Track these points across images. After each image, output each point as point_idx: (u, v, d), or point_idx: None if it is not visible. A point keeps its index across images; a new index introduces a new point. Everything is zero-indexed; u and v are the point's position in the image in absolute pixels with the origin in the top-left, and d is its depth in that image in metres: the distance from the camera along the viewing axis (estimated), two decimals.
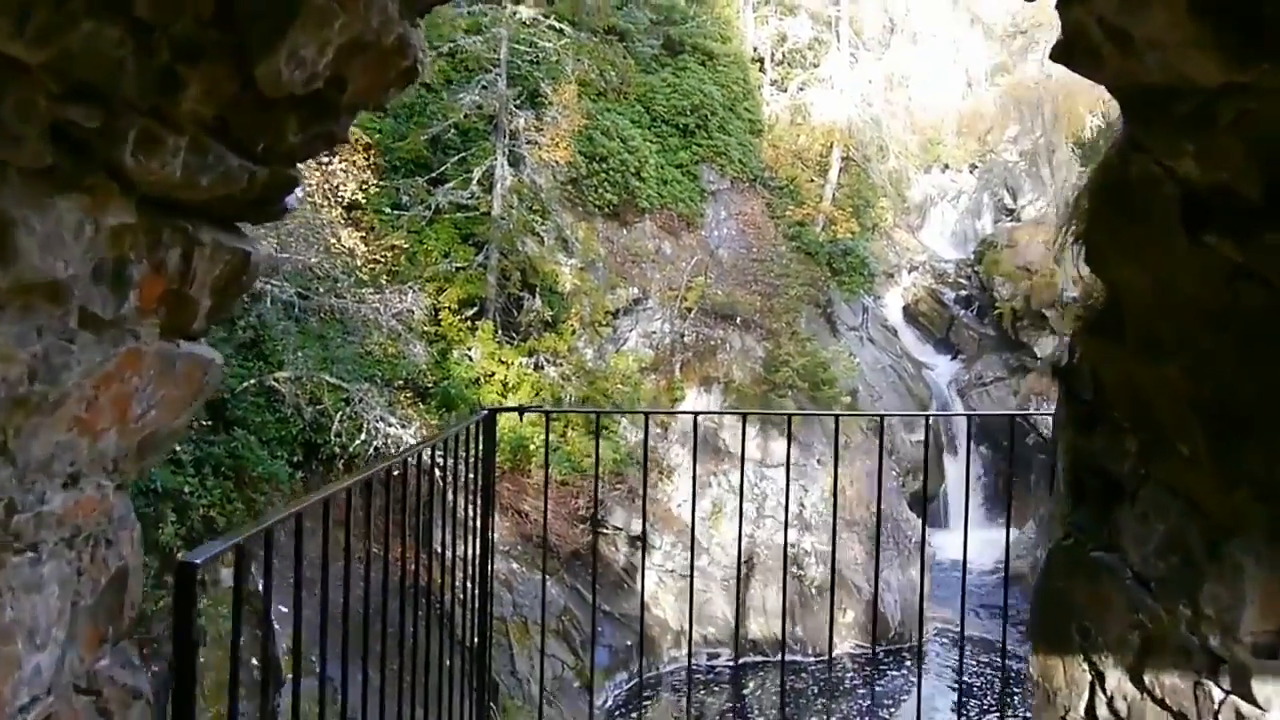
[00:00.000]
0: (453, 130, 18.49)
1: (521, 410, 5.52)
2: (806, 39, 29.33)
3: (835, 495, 5.70)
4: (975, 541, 26.44)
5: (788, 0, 29.03)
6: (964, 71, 28.10)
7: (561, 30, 18.35)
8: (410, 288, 14.50)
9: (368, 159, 16.69)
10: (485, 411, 4.48)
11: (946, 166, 47.40)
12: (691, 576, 5.18)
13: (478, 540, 4.47)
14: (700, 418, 20.49)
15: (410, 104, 19.22)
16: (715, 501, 20.02)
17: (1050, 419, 3.01)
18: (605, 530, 19.14)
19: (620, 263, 20.36)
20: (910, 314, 40.22)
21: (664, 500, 19.81)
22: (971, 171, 44.68)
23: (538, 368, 18.27)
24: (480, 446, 4.38)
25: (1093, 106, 28.18)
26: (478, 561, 4.46)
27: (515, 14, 17.74)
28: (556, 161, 17.99)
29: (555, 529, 17.62)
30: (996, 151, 33.28)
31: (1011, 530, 27.10)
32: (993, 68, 29.01)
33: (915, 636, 22.78)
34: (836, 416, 4.89)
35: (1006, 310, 33.70)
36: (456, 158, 18.29)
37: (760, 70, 28.50)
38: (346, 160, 16.02)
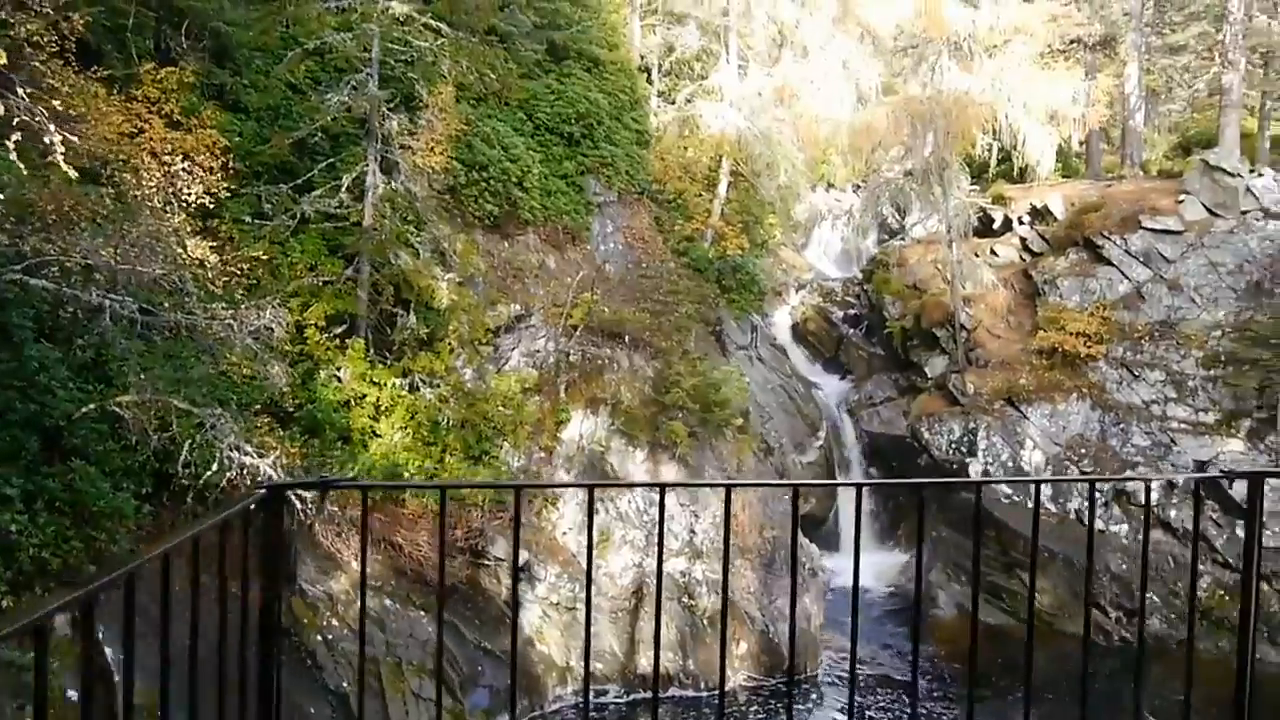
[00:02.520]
0: (320, 134, 17.37)
1: (324, 486, 4.59)
2: (695, 49, 28.84)
3: (794, 564, 4.84)
4: (868, 565, 25.94)
5: (676, 9, 28.49)
6: (854, 86, 27.78)
7: (438, 29, 17.39)
8: (270, 303, 13.32)
9: (222, 161, 15.46)
10: (264, 490, 3.66)
11: (831, 185, 47.55)
12: (588, 629, 4.26)
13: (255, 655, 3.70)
14: (583, 438, 19.76)
15: (275, 105, 18.06)
16: (603, 529, 19.17)
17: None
18: (486, 561, 18.17)
19: (502, 277, 19.44)
20: (799, 333, 40.10)
21: (548, 529, 18.91)
22: (855, 191, 44.80)
23: (413, 389, 17.25)
24: (268, 533, 3.63)
25: (982, 124, 28.16)
26: (256, 668, 3.69)
27: (388, 9, 16.73)
28: (432, 168, 16.99)
29: (431, 561, 16.63)
30: (884, 170, 33.17)
31: (901, 553, 26.64)
32: (884, 83, 28.81)
33: (809, 667, 22.29)
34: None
35: (897, 329, 33.63)
36: (324, 163, 17.19)
37: (648, 81, 27.89)
38: (191, 159, 14.82)
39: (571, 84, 22.33)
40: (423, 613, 16.68)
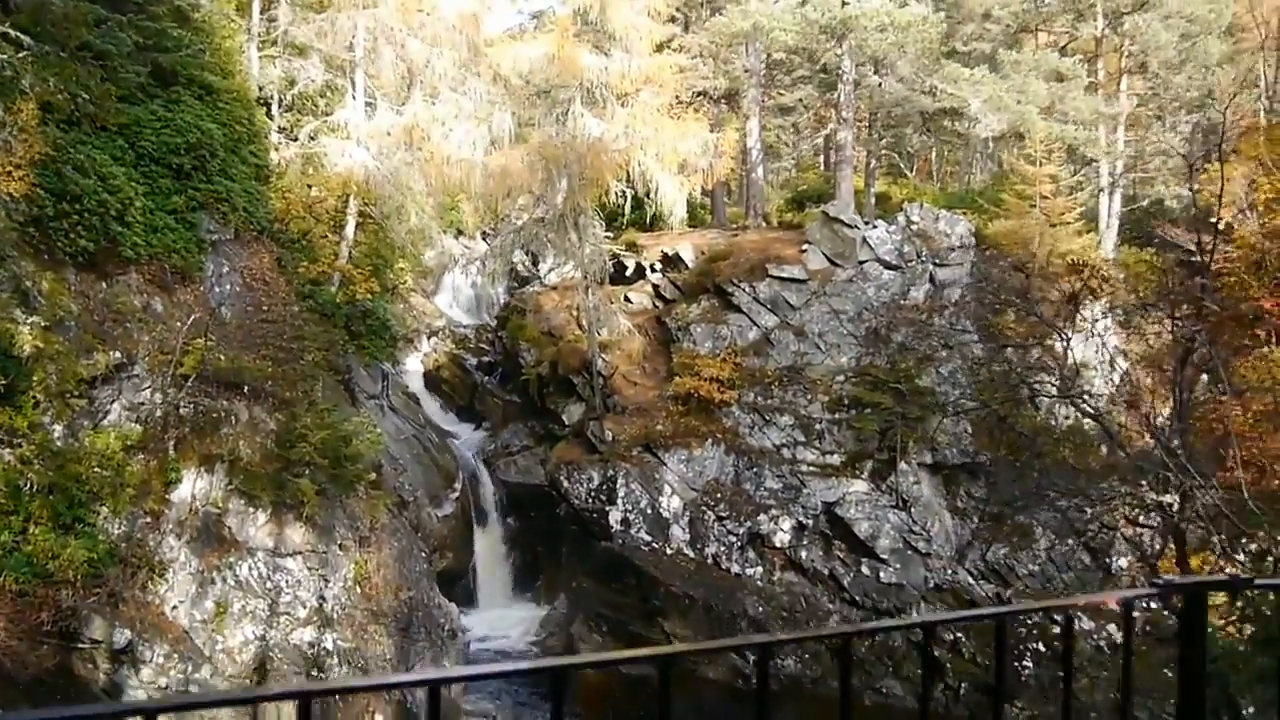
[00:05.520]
0: None
1: None
2: (319, 84, 27.56)
3: None
4: (506, 620, 25.27)
5: (298, 40, 27.13)
6: (487, 129, 27.37)
7: (20, 41, 15.41)
8: None
9: None
10: None
11: (460, 232, 47.17)
12: None
13: None
14: (196, 500, 17.95)
15: None
16: (220, 600, 17.45)
17: None
18: (82, 644, 16.05)
19: (99, 321, 17.42)
20: (432, 381, 39.33)
21: (155, 603, 16.98)
22: (485, 238, 44.61)
23: None
24: None
25: (616, 171, 28.47)
26: None
27: None
28: (10, 195, 14.95)
29: (11, 650, 14.44)
30: (515, 216, 33.05)
31: (541, 606, 26.21)
32: (517, 128, 28.60)
33: None
34: (847, 637, 3.09)
35: (533, 376, 33.48)
36: None
37: (268, 114, 26.33)
38: None
39: (181, 112, 20.54)
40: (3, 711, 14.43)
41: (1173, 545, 17.55)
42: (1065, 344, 17.81)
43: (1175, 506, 15.67)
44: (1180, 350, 17.05)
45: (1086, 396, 19.17)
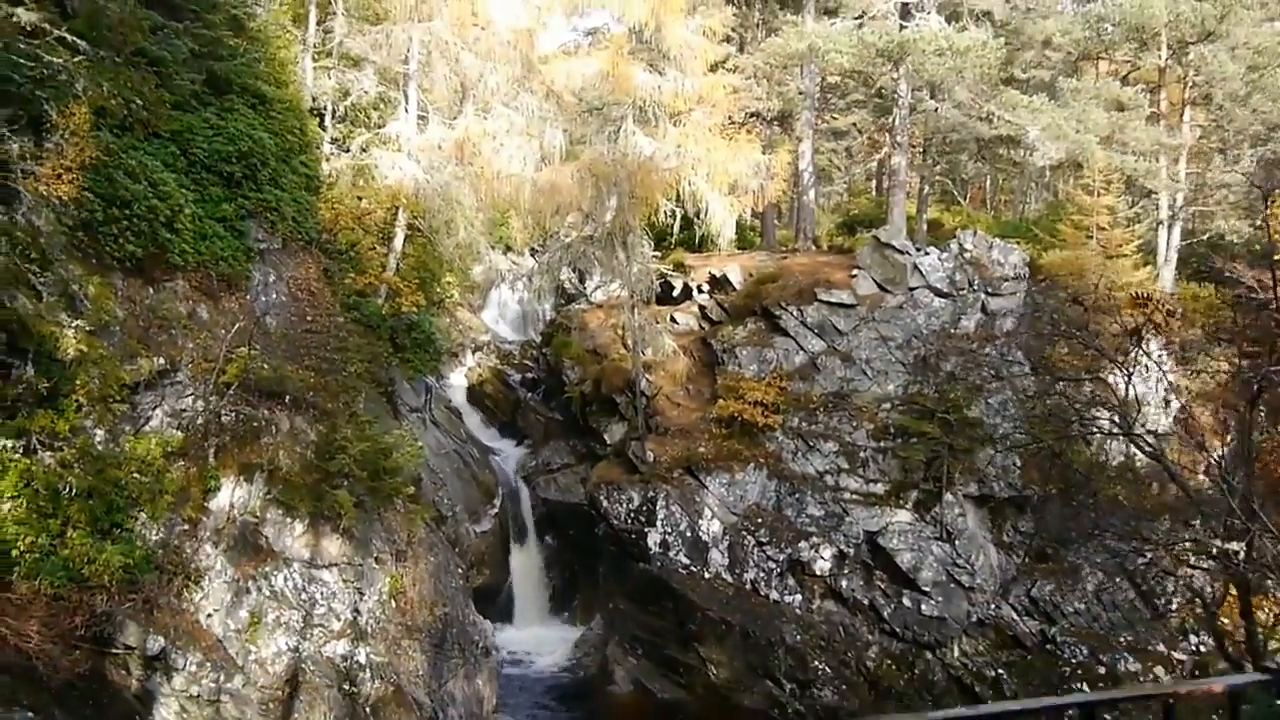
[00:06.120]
0: None
1: None
2: (372, 96, 27.68)
3: None
4: (543, 639, 25.09)
5: (353, 52, 27.26)
6: (538, 145, 27.35)
7: (75, 45, 15.47)
8: None
9: None
10: None
11: (509, 248, 47.27)
12: None
13: None
14: (234, 509, 17.90)
15: None
16: (254, 610, 17.40)
17: None
18: (115, 650, 16.02)
19: (144, 327, 17.45)
20: (475, 396, 39.35)
21: (190, 610, 16.95)
22: (534, 255, 44.64)
23: (28, 452, 15.02)
24: None
25: (666, 190, 28.36)
26: None
27: (13, 17, 14.70)
28: (60, 199, 14.97)
29: (44, 654, 14.41)
30: (564, 233, 33.00)
31: (577, 626, 26.02)
32: (568, 145, 28.58)
33: None
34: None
35: (576, 394, 33.37)
36: None
37: (320, 125, 26.45)
38: None
39: (234, 120, 20.63)
40: (31, 714, 14.40)
41: (1235, 592, 17.08)
42: (1126, 378, 17.35)
43: (1240, 555, 15.16)
44: (1250, 390, 16.52)
45: (1147, 434, 18.71)
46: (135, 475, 16.27)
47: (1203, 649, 24.66)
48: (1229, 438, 18.10)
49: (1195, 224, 38.32)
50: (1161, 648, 24.61)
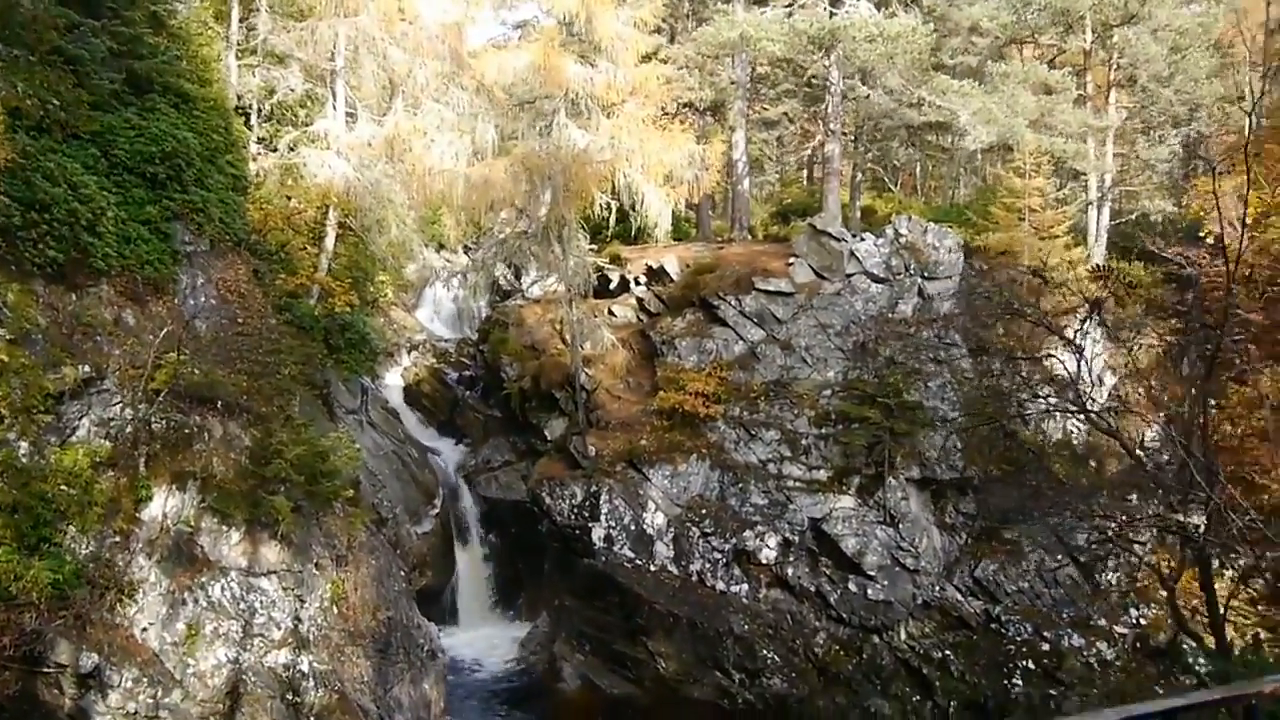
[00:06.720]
0: None
1: None
2: (299, 94, 27.10)
3: None
4: (489, 639, 24.74)
5: (278, 49, 26.66)
6: (470, 140, 26.94)
7: None
8: None
9: None
10: None
11: (442, 246, 46.75)
12: None
13: None
14: (167, 518, 17.40)
15: None
16: (191, 622, 16.93)
17: None
18: (46, 669, 15.51)
19: (68, 335, 16.90)
20: (412, 395, 38.88)
21: (124, 625, 16.45)
22: (467, 252, 44.21)
23: None
24: None
25: (601, 183, 28.11)
26: None
27: None
28: None
29: None
30: (498, 230, 32.67)
31: (523, 624, 25.70)
32: (500, 139, 28.21)
33: None
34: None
35: (515, 391, 33.03)
36: None
37: (246, 124, 25.87)
38: None
39: (156, 120, 20.04)
40: None
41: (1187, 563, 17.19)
42: (1078, 355, 17.34)
43: (1201, 528, 15.16)
44: (1205, 360, 16.52)
45: (1103, 410, 18.78)
46: (62, 487, 15.73)
47: (1142, 621, 24.96)
48: (1178, 409, 18.12)
49: (1122, 204, 38.79)
50: (1103, 622, 24.86)
